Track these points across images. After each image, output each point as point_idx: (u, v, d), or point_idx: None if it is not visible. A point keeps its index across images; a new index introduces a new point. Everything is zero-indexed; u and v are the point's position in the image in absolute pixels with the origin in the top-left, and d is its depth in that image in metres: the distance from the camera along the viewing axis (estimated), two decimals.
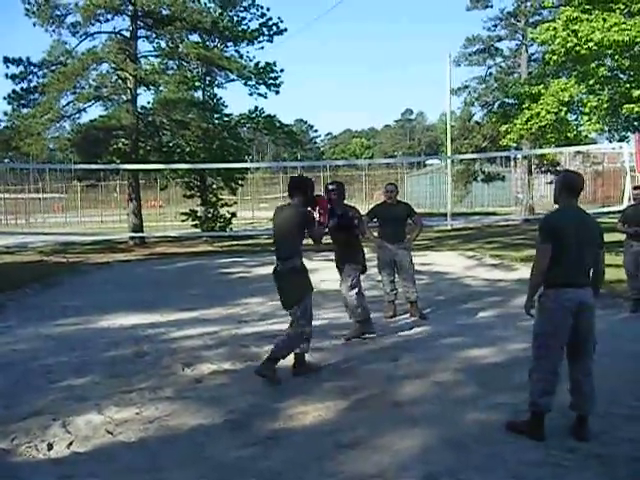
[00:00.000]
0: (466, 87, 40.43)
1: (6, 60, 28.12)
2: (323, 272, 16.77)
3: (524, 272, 15.33)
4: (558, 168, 37.68)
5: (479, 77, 41.44)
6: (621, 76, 20.33)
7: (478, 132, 39.33)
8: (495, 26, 40.56)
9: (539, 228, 5.56)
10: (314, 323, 10.20)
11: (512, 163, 47.33)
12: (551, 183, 40.94)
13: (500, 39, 41.10)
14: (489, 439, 5.39)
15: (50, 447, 5.49)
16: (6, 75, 28.30)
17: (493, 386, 6.76)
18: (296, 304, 7.34)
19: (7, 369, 8.03)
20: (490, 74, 41.64)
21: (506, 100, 30.86)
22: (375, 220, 10.90)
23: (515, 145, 32.14)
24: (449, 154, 35.42)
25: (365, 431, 5.63)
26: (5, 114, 31.21)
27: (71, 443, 5.55)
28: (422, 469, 4.86)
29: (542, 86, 22.90)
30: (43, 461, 5.26)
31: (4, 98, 28.80)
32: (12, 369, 8.02)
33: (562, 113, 21.70)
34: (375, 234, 10.89)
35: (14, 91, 28.69)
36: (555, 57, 20.20)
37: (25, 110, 29.39)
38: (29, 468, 5.11)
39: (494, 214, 40.44)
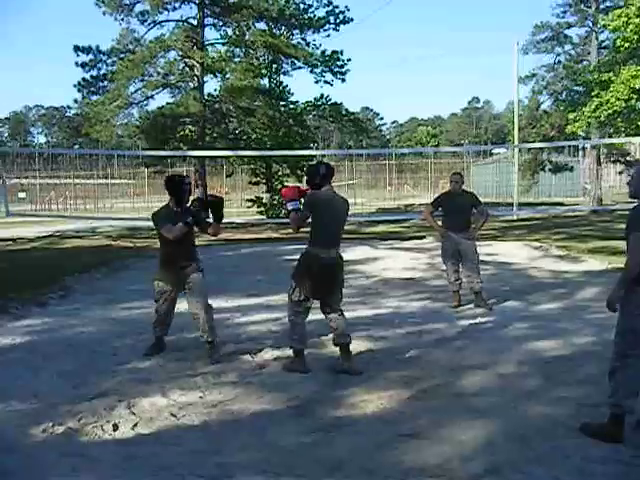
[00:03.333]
0: (534, 75, 39.77)
1: (76, 48, 28.68)
2: (387, 260, 16.79)
3: (591, 264, 15.11)
4: (628, 158, 36.96)
5: (547, 65, 40.67)
6: None
7: (546, 121, 38.67)
8: (564, 12, 39.71)
9: (634, 217, 5.17)
10: (379, 312, 10.25)
11: (580, 152, 46.48)
12: (621, 173, 40.21)
13: (569, 26, 40.25)
14: (552, 433, 5.31)
15: (115, 428, 5.59)
16: (76, 63, 28.88)
17: (557, 379, 6.66)
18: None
19: (75, 351, 8.19)
20: (559, 62, 40.82)
21: (575, 88, 30.39)
22: (440, 209, 10.82)
23: (583, 134, 31.60)
24: (516, 143, 34.93)
25: (427, 421, 5.60)
26: (75, 101, 31.98)
27: (136, 424, 5.64)
28: (484, 461, 4.82)
29: (612, 74, 22.44)
30: (109, 441, 5.35)
31: (74, 86, 29.37)
32: (80, 351, 8.18)
33: (633, 101, 21.23)
34: (439, 223, 10.81)
35: (84, 79, 29.26)
36: (627, 44, 19.78)
37: (94, 97, 29.96)
38: (95, 447, 5.21)
39: (561, 204, 39.80)
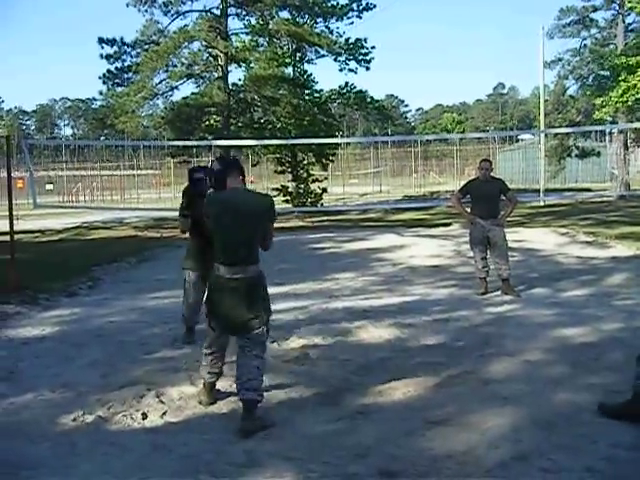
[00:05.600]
0: (560, 60, 39.40)
1: (101, 41, 28.84)
2: (414, 247, 16.78)
3: (619, 250, 15.02)
4: None
5: (573, 49, 40.23)
6: None
7: (572, 106, 38.37)
8: None
9: None
10: (405, 299, 10.25)
11: (607, 137, 46.04)
12: None
13: (595, 9, 39.69)
14: (579, 420, 5.29)
15: (145, 416, 5.64)
16: (101, 55, 29.06)
17: (585, 366, 6.63)
18: None
19: (104, 340, 8.28)
20: (585, 46, 40.36)
21: (601, 72, 30.07)
22: (468, 196, 10.80)
23: (610, 119, 31.29)
24: (542, 129, 34.67)
25: (454, 408, 5.60)
26: (100, 93, 32.16)
27: (165, 413, 5.69)
28: (511, 448, 4.81)
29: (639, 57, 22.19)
30: (138, 429, 5.41)
31: (99, 78, 29.54)
32: (109, 340, 8.26)
33: None
34: (468, 210, 10.79)
35: (109, 71, 29.42)
36: None
37: (119, 89, 30.14)
38: (125, 436, 5.27)
39: (588, 190, 39.48)
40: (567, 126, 36.09)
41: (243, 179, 5.78)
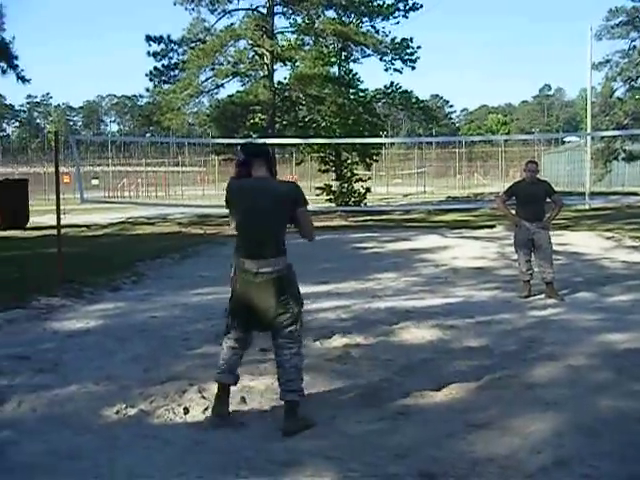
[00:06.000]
0: (607, 61, 38.86)
1: (148, 38, 29.14)
2: (457, 249, 16.70)
3: None
4: None
5: (622, 51, 39.64)
6: None
7: (620, 108, 37.83)
8: None
9: None
10: (448, 301, 10.20)
11: None
12: None
13: None
14: (624, 427, 5.20)
15: (186, 411, 5.67)
16: (148, 53, 29.34)
17: (629, 373, 6.50)
18: None
19: (147, 335, 8.35)
20: (634, 47, 39.71)
21: None
22: (513, 198, 10.72)
23: None
24: (589, 131, 34.29)
25: (496, 412, 5.56)
26: (147, 90, 32.40)
27: (206, 408, 5.70)
28: (553, 453, 4.75)
29: None
30: (180, 424, 5.45)
31: (146, 75, 29.83)
32: (151, 335, 8.33)
33: None
34: (513, 212, 10.71)
35: (155, 68, 29.73)
36: None
37: (166, 86, 30.42)
38: (167, 430, 5.31)
39: (635, 194, 38.98)
40: (614, 129, 35.61)
41: (270, 168, 5.53)
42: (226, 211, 5.72)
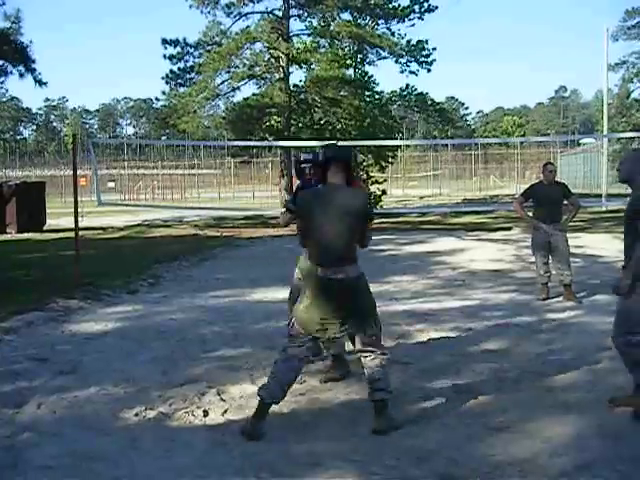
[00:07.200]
0: (624, 63, 38.80)
1: (164, 41, 29.19)
2: (474, 251, 16.65)
3: None
4: None
5: (638, 52, 39.60)
6: None
7: (637, 110, 37.74)
8: None
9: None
10: (466, 303, 10.16)
11: None
12: None
13: None
14: None
15: (206, 414, 5.67)
16: (164, 56, 29.40)
17: None
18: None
19: (165, 337, 8.37)
20: None
21: None
22: (531, 200, 10.67)
23: None
24: (605, 133, 34.14)
25: (516, 415, 5.53)
26: (163, 93, 32.58)
27: (225, 411, 5.72)
28: (575, 457, 4.72)
29: None
30: (199, 427, 5.44)
31: (162, 78, 29.90)
32: (169, 337, 8.35)
33: None
34: (530, 214, 10.67)
35: (171, 71, 29.78)
36: None
37: (182, 89, 30.52)
38: (187, 432, 5.31)
39: None
40: (631, 130, 35.55)
41: (347, 175, 5.49)
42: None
